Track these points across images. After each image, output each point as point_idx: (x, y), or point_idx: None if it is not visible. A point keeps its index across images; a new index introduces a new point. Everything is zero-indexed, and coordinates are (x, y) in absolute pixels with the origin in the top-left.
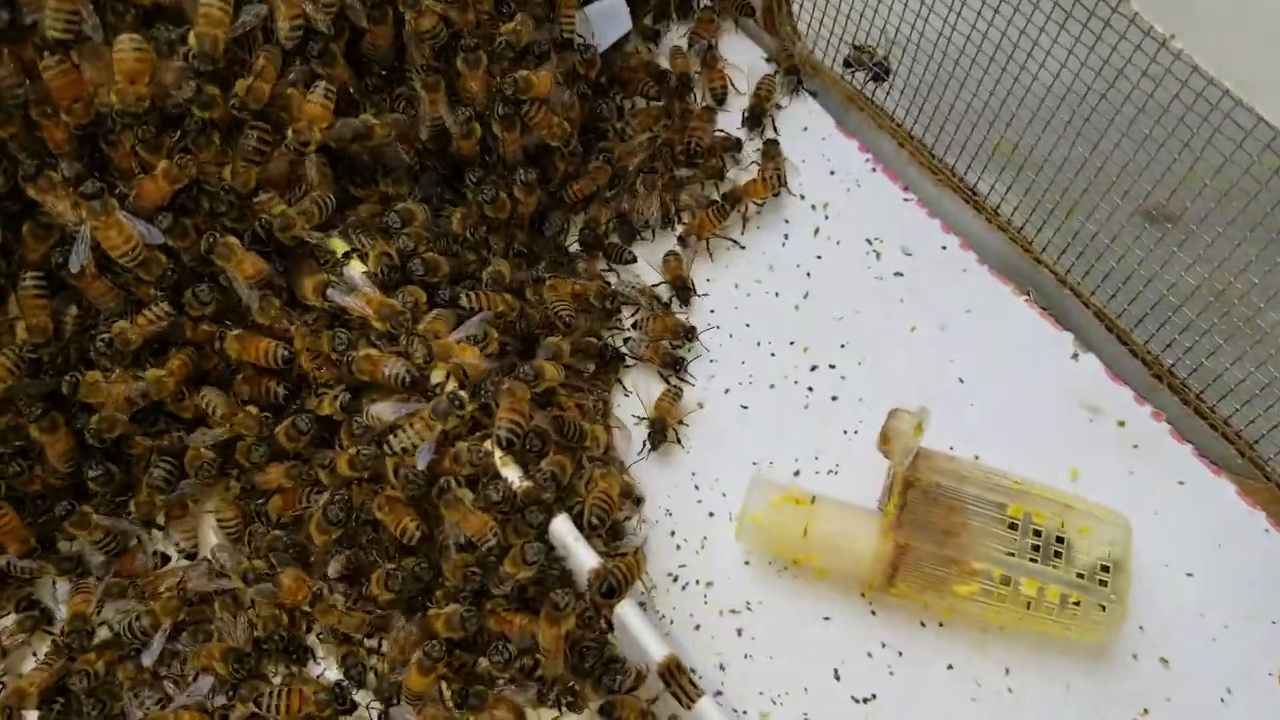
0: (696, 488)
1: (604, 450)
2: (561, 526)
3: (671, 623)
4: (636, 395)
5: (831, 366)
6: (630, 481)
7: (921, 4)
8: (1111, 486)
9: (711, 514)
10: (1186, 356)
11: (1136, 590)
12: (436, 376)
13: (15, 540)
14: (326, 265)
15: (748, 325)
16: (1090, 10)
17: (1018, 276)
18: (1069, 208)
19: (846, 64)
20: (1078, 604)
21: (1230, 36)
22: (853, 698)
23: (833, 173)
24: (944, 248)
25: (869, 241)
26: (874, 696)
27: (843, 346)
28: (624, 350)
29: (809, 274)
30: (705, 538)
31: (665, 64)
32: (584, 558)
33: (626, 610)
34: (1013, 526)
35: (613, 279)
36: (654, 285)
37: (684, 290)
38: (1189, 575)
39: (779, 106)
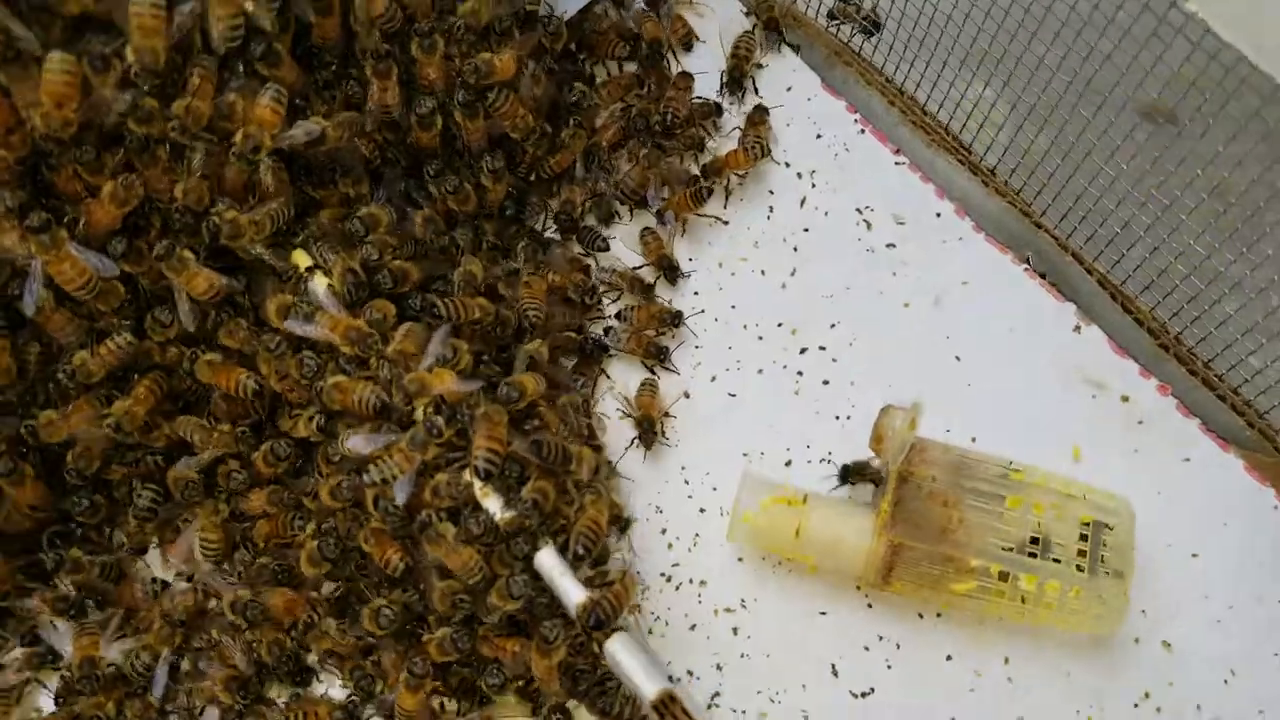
0: (686, 482)
1: (592, 471)
2: (546, 560)
3: (667, 624)
4: (618, 389)
5: (822, 348)
6: (619, 503)
7: None
8: (1115, 465)
9: (703, 510)
10: (1195, 325)
11: (1139, 573)
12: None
13: None
14: (289, 283)
15: (733, 307)
16: None
17: (1016, 243)
18: (1069, 169)
19: (831, 16)
20: (1078, 597)
21: None
22: (851, 693)
23: (819, 136)
24: (938, 215)
25: (859, 211)
26: (872, 691)
27: (833, 326)
28: (606, 341)
29: (796, 249)
30: (697, 535)
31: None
32: (571, 592)
33: (616, 647)
34: (1011, 520)
35: (592, 264)
36: (636, 268)
37: (671, 270)
38: (1194, 556)
39: (760, 66)
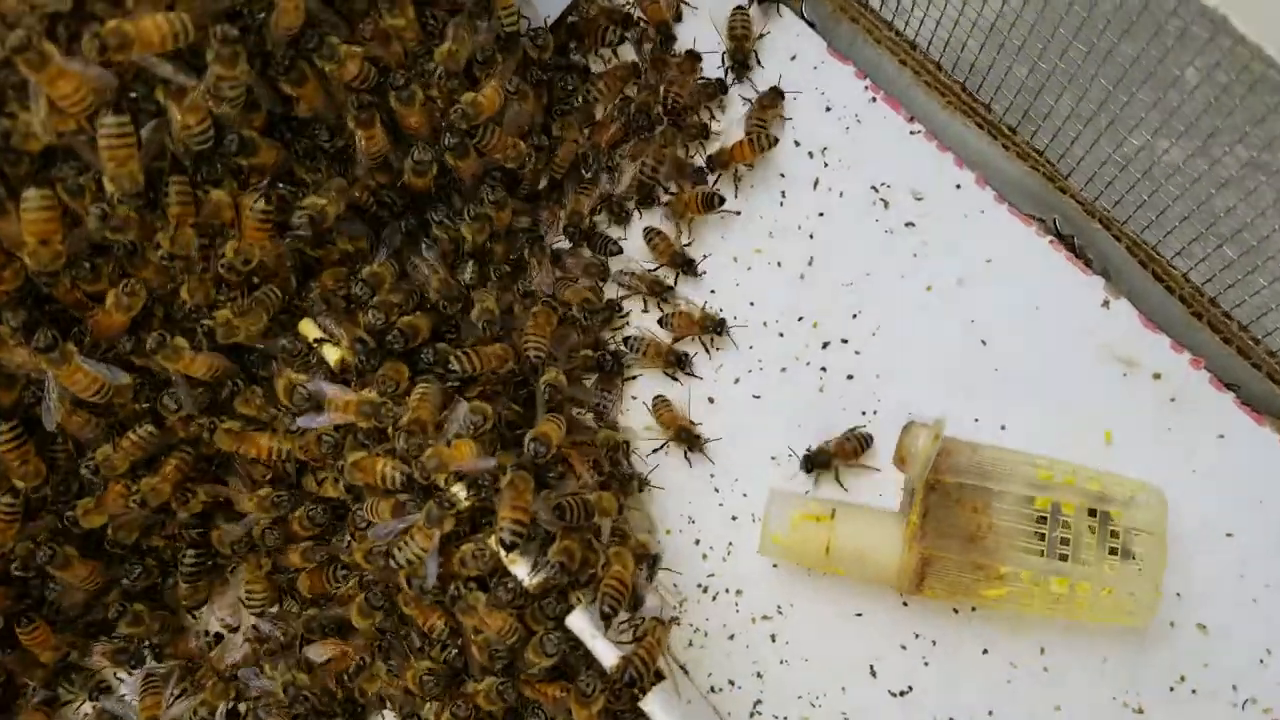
0: (716, 490)
1: (613, 520)
2: (578, 622)
3: (705, 635)
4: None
5: (844, 341)
6: (645, 542)
7: None
8: (1147, 446)
9: (734, 518)
10: (1230, 291)
11: (1173, 556)
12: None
13: (47, 649)
14: (297, 359)
15: (751, 304)
16: None
17: (1041, 209)
18: (1099, 124)
19: None
20: (1110, 595)
21: None
22: (890, 692)
23: (828, 109)
24: (958, 186)
25: (874, 189)
26: (911, 689)
27: (854, 317)
28: (623, 350)
29: (811, 235)
30: (730, 544)
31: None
32: (603, 654)
33: (654, 706)
34: (1041, 520)
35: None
36: (652, 269)
37: (688, 265)
38: (1228, 535)
39: (761, 36)
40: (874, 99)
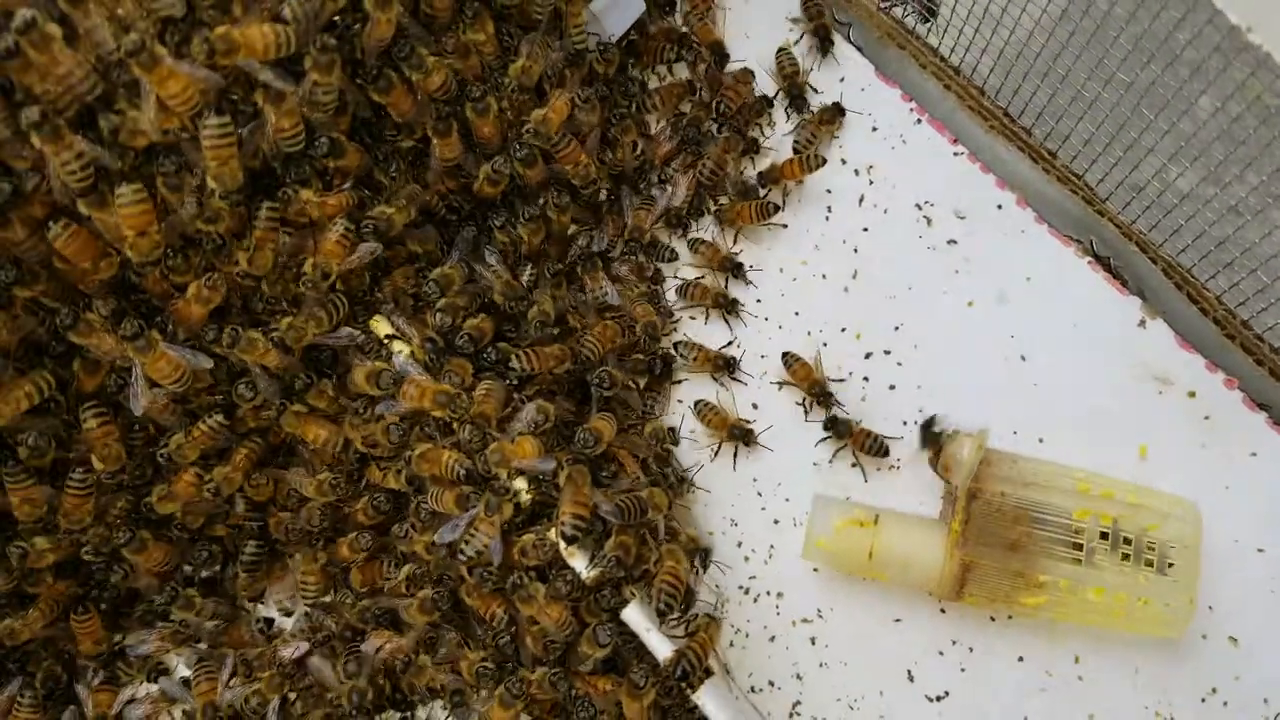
0: (759, 494)
1: (666, 514)
2: (633, 616)
3: (747, 636)
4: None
5: (886, 353)
6: (694, 535)
7: None
8: (1182, 463)
9: (776, 521)
10: (1264, 314)
11: (1206, 570)
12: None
13: (92, 640)
14: (370, 352)
15: (796, 314)
16: None
17: (1079, 231)
18: (1138, 152)
19: None
20: (1145, 605)
21: None
22: (927, 697)
23: (875, 129)
24: (999, 206)
25: (918, 207)
26: (947, 694)
27: (896, 329)
28: (673, 354)
29: (856, 249)
30: (772, 546)
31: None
32: (657, 647)
33: (706, 699)
34: (1079, 531)
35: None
36: (698, 278)
37: (736, 269)
38: (1260, 551)
39: (810, 70)
40: (919, 121)
